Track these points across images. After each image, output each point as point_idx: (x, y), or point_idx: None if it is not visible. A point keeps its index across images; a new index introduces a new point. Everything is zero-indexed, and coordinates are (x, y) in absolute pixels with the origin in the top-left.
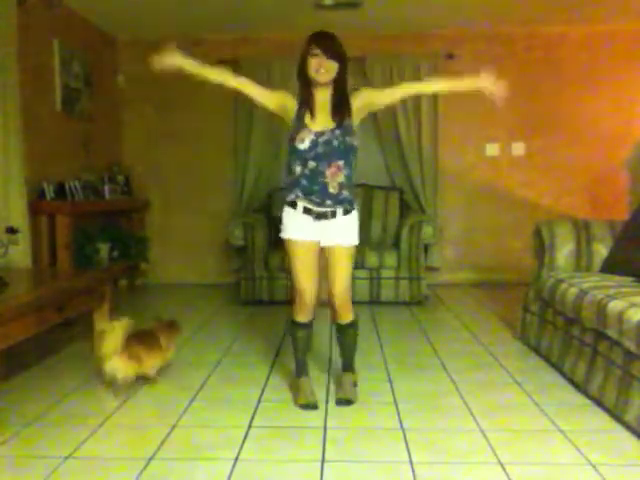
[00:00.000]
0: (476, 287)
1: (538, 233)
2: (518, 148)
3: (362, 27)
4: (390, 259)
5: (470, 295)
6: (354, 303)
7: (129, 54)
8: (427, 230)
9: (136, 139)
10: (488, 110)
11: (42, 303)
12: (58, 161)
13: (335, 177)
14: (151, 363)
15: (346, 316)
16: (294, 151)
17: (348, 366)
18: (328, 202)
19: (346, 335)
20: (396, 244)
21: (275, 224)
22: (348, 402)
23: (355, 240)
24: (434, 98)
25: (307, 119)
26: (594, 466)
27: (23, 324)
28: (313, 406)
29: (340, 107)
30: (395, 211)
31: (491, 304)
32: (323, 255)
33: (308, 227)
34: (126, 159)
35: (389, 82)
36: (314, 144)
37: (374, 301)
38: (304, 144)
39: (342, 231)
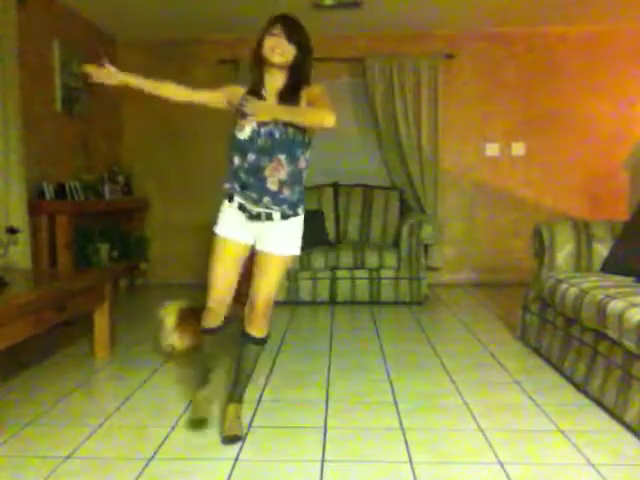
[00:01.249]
0: (476, 287)
1: (538, 233)
2: (518, 148)
3: (362, 27)
4: (390, 259)
5: (470, 295)
6: (354, 303)
7: (129, 54)
8: (427, 230)
9: (136, 139)
10: (488, 110)
11: (42, 303)
12: (58, 161)
13: (275, 173)
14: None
15: (260, 330)
16: (234, 140)
17: (239, 394)
18: (266, 199)
19: (249, 349)
20: (396, 244)
21: None
22: (237, 438)
23: (293, 249)
24: (434, 98)
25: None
26: (594, 466)
27: (23, 324)
28: (202, 424)
29: (287, 94)
30: (395, 211)
31: (491, 304)
32: (254, 260)
33: (240, 227)
34: (126, 159)
35: (389, 82)
36: (255, 134)
37: (374, 301)
38: (244, 133)
39: (277, 238)
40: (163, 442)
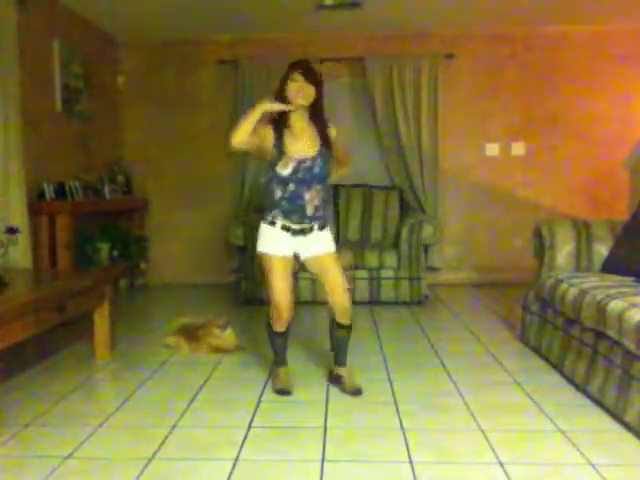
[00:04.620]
0: (476, 287)
1: (538, 233)
2: (518, 148)
3: (362, 27)
4: (390, 259)
5: (470, 295)
6: (354, 303)
7: (129, 54)
8: (427, 230)
9: (136, 139)
10: (488, 110)
11: (42, 303)
12: (58, 161)
13: (313, 200)
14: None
15: (347, 319)
16: (275, 176)
17: (343, 360)
18: (305, 221)
19: (342, 334)
20: (396, 244)
21: None
22: (359, 392)
23: (333, 248)
24: (434, 98)
25: (287, 145)
26: (594, 466)
27: (23, 324)
28: (287, 392)
29: (324, 134)
30: (395, 211)
31: (491, 304)
32: (309, 268)
33: (285, 242)
34: (126, 159)
35: (389, 82)
36: (296, 170)
37: (374, 301)
38: (287, 170)
39: (320, 241)
40: (163, 442)
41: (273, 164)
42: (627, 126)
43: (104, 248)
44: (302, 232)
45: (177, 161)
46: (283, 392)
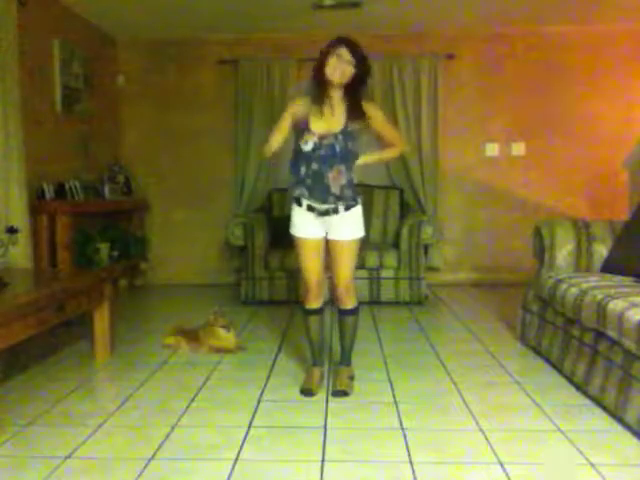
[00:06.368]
0: (476, 287)
1: (538, 233)
2: (518, 148)
3: (362, 27)
4: (390, 259)
5: (470, 295)
6: None
7: (129, 54)
8: (427, 230)
9: (136, 139)
10: (488, 110)
11: (42, 303)
12: (58, 161)
13: (337, 181)
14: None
15: (347, 303)
16: (299, 151)
17: (346, 359)
18: (331, 199)
19: (346, 320)
20: (396, 244)
21: (275, 224)
22: (344, 393)
23: (358, 233)
24: (434, 98)
25: (314, 121)
26: (594, 466)
27: (23, 324)
28: (307, 392)
29: (355, 111)
30: (395, 211)
31: (491, 304)
32: (328, 248)
33: (312, 224)
34: (126, 159)
35: (389, 82)
36: (317, 146)
37: (374, 301)
38: (307, 146)
39: (344, 226)
40: (163, 442)
41: (298, 138)
42: (627, 126)
43: (104, 248)
44: (327, 213)
45: (177, 161)
46: (307, 393)
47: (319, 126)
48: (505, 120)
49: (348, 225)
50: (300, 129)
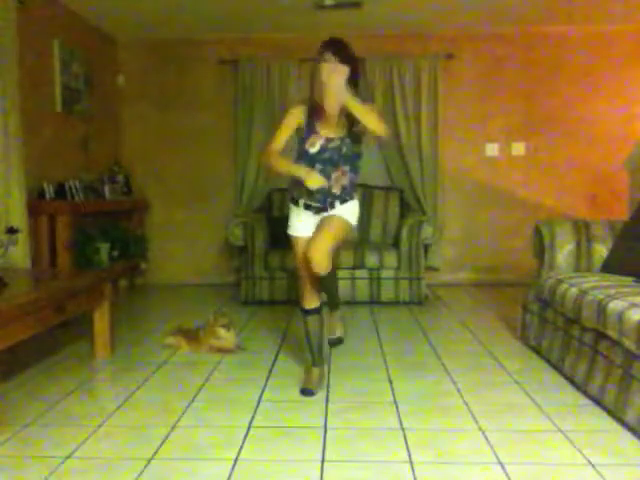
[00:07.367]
0: (476, 287)
1: (538, 233)
2: (518, 148)
3: (362, 27)
4: (390, 259)
5: (470, 295)
6: (354, 303)
7: (129, 54)
8: (427, 230)
9: (136, 139)
10: (488, 110)
11: (42, 303)
12: (58, 161)
13: (339, 180)
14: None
15: (322, 268)
16: (304, 153)
17: (334, 305)
18: (329, 199)
19: (325, 279)
20: (396, 244)
21: (274, 224)
22: (339, 341)
23: (350, 217)
24: (434, 98)
25: (318, 124)
26: (594, 466)
27: (23, 324)
28: (307, 392)
29: (352, 115)
30: (395, 211)
31: (491, 304)
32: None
33: (309, 223)
34: (126, 159)
35: (389, 82)
36: (323, 149)
37: (374, 301)
38: (314, 148)
39: (338, 210)
40: (163, 442)
41: (303, 140)
42: (627, 126)
43: (104, 248)
44: (324, 210)
45: (177, 161)
46: (307, 393)
47: (324, 129)
48: (505, 120)
49: (341, 210)
50: (300, 138)
